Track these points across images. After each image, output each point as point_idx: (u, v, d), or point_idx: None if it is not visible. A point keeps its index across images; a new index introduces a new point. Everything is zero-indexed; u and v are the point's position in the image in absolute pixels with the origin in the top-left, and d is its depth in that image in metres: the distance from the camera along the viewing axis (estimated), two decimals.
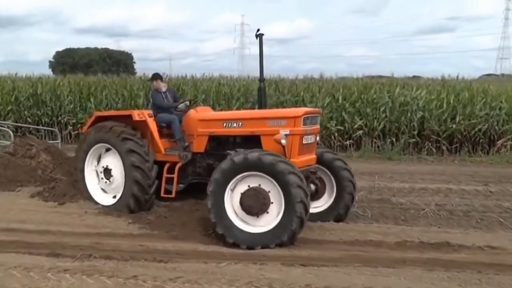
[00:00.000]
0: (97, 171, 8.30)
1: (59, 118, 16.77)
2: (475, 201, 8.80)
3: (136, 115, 7.98)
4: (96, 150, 8.27)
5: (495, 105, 14.89)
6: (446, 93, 15.33)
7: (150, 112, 8.23)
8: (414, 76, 24.79)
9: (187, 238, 6.42)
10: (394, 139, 14.95)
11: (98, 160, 8.34)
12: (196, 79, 18.82)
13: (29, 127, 15.89)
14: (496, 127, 14.76)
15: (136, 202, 7.62)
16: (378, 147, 15.17)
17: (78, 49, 75.23)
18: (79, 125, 15.91)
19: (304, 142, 6.77)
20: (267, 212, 6.10)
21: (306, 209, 5.92)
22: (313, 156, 7.09)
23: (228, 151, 6.97)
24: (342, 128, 15.27)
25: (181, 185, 7.84)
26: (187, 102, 8.49)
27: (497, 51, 71.58)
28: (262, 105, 8.26)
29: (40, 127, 16.05)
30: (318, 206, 7.42)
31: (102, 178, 8.17)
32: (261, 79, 8.10)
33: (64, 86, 17.46)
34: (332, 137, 15.34)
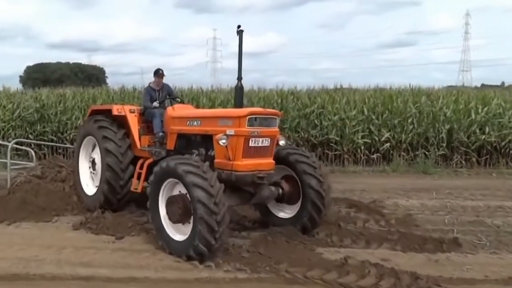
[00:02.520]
0: (88, 164, 8.42)
1: (65, 134, 15.02)
2: None
3: (115, 109, 7.92)
4: (87, 143, 8.39)
5: None
6: (475, 102, 14.56)
7: (135, 107, 8.22)
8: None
9: None
10: (424, 152, 14.07)
11: (90, 154, 8.43)
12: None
13: (52, 145, 14.25)
14: None
15: (109, 187, 7.62)
16: (406, 160, 14.27)
17: (50, 63, 72.55)
18: None
19: (251, 145, 6.24)
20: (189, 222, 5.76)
21: (210, 210, 5.42)
22: (266, 161, 6.47)
23: (193, 150, 6.91)
24: (369, 141, 14.29)
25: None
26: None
27: (459, 64, 72.93)
28: (237, 104, 7.41)
29: (65, 145, 14.25)
30: (287, 211, 7.10)
31: (90, 170, 8.34)
32: (239, 77, 7.36)
33: (68, 99, 15.70)
34: (358, 150, 14.34)
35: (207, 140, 6.82)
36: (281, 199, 6.96)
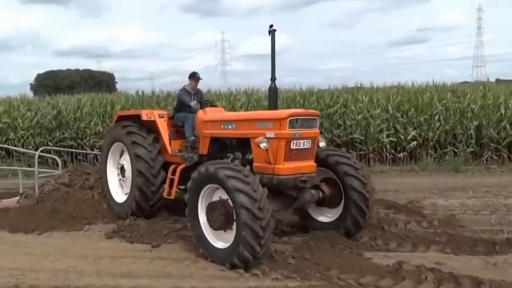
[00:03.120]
0: (117, 171, 8.22)
1: (84, 141, 14.86)
2: None
3: (145, 114, 7.76)
4: (115, 149, 8.19)
5: None
6: (504, 97, 14.17)
7: (163, 112, 8.04)
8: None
9: None
10: (453, 149, 13.70)
11: (119, 160, 8.23)
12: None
13: (72, 152, 14.11)
14: None
15: (141, 193, 7.45)
16: (434, 158, 13.91)
17: (60, 71, 73.10)
18: None
19: (292, 147, 5.97)
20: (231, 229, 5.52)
21: (254, 216, 5.17)
22: (308, 164, 6.20)
23: (228, 154, 6.70)
24: (394, 139, 13.97)
25: (181, 187, 7.29)
26: (195, 102, 7.87)
27: (472, 60, 72.13)
28: (272, 106, 7.36)
29: (90, 151, 14.07)
30: (328, 215, 6.84)
31: (119, 177, 8.15)
32: (273, 78, 7.22)
33: (86, 105, 15.55)
34: (384, 149, 14.01)
35: (243, 144, 6.56)
36: (322, 203, 6.69)
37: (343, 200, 6.58)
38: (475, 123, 13.79)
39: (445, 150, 13.86)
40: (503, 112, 13.75)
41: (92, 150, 14.34)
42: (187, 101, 7.88)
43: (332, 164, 6.58)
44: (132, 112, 8.86)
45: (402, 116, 14.13)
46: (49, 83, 68.06)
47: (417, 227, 7.30)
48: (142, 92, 18.02)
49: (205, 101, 8.12)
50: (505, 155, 13.74)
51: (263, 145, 5.84)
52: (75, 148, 14.54)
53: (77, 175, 8.74)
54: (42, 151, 10.23)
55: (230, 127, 6.75)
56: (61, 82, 69.05)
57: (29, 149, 13.97)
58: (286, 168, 5.96)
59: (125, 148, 7.91)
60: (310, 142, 6.18)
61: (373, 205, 6.75)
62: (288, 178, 5.96)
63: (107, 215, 7.97)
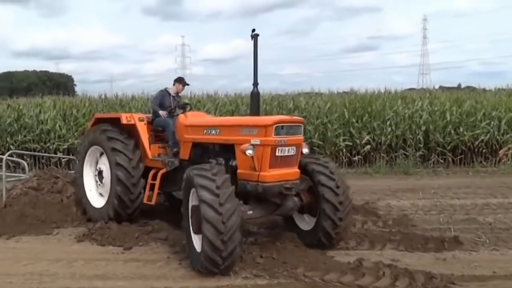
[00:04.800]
0: (94, 175, 7.96)
1: (48, 144, 14.50)
2: None
3: (124, 118, 7.53)
4: (92, 153, 7.95)
5: (494, 115, 14.71)
6: (449, 104, 14.96)
7: (143, 115, 7.81)
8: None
9: None
10: (404, 153, 14.34)
11: (96, 164, 7.99)
12: None
13: (45, 156, 13.72)
14: (498, 137, 14.57)
15: (120, 202, 7.24)
16: (387, 161, 14.50)
17: (17, 72, 70.38)
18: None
19: (278, 154, 5.79)
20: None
21: (216, 230, 5.06)
22: (292, 170, 6.02)
23: (210, 160, 6.50)
24: (350, 143, 14.47)
25: (161, 192, 7.36)
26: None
27: (418, 67, 74.92)
28: (254, 111, 7.11)
29: (59, 155, 13.69)
30: (309, 223, 6.55)
31: (96, 181, 7.88)
32: (255, 83, 6.92)
33: (50, 108, 15.16)
34: (340, 153, 14.49)
35: (227, 150, 6.35)
36: (302, 210, 6.53)
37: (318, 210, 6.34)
38: (423, 128, 14.47)
39: (396, 154, 14.46)
40: (448, 119, 14.51)
41: (56, 153, 14.04)
42: (156, 106, 7.78)
43: (309, 172, 6.35)
44: (111, 115, 8.58)
45: (357, 122, 14.64)
46: (5, 85, 65.48)
47: (374, 226, 7.64)
48: (105, 95, 17.86)
49: (185, 104, 7.95)
50: (450, 159, 14.49)
51: (249, 152, 5.63)
52: (39, 152, 14.17)
53: (45, 179, 8.57)
54: (10, 155, 9.93)
55: (213, 132, 6.55)
56: (18, 84, 66.58)
57: None
58: (271, 175, 5.77)
59: (103, 152, 7.63)
60: (294, 149, 5.99)
61: (348, 218, 6.36)
62: (273, 185, 5.78)
63: (76, 219, 7.88)
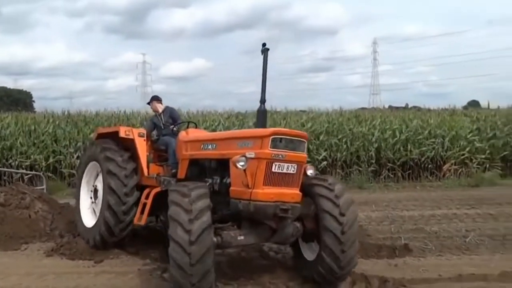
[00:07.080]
0: (90, 191, 7.53)
1: (10, 161, 14.16)
2: (487, 224, 8.87)
3: (123, 131, 7.02)
4: (91, 169, 7.50)
5: (439, 133, 15.64)
6: (398, 123, 15.80)
7: (142, 131, 7.27)
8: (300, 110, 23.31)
9: None
10: (358, 169, 14.97)
11: (94, 180, 7.51)
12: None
13: (12, 172, 13.36)
14: (442, 154, 15.47)
15: (111, 213, 6.65)
16: (342, 176, 15.08)
17: None
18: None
19: (274, 170, 5.02)
20: None
21: (184, 251, 4.46)
22: (291, 191, 5.15)
23: (206, 179, 5.84)
24: (308, 159, 14.89)
25: (152, 215, 6.70)
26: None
27: (369, 88, 77.27)
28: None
29: (24, 171, 13.37)
30: (309, 254, 5.77)
31: (91, 198, 7.45)
32: (262, 99, 5.88)
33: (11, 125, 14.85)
34: None
35: (223, 166, 5.59)
36: (306, 238, 5.75)
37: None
38: (375, 145, 15.20)
39: (351, 169, 15.09)
40: (398, 136, 15.32)
41: (18, 169, 13.75)
42: (157, 124, 7.70)
43: (313, 196, 5.49)
44: (111, 129, 7.92)
45: (315, 139, 15.20)
46: None
47: None
48: (68, 111, 17.61)
49: (182, 122, 7.72)
50: (400, 174, 15.27)
51: (241, 164, 4.88)
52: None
53: (13, 194, 8.47)
54: None
55: (210, 147, 5.92)
56: None
57: None
58: (265, 193, 4.95)
59: (99, 168, 7.14)
60: (295, 167, 5.16)
61: (352, 251, 5.35)
62: (266, 204, 4.93)
63: (44, 234, 7.80)
